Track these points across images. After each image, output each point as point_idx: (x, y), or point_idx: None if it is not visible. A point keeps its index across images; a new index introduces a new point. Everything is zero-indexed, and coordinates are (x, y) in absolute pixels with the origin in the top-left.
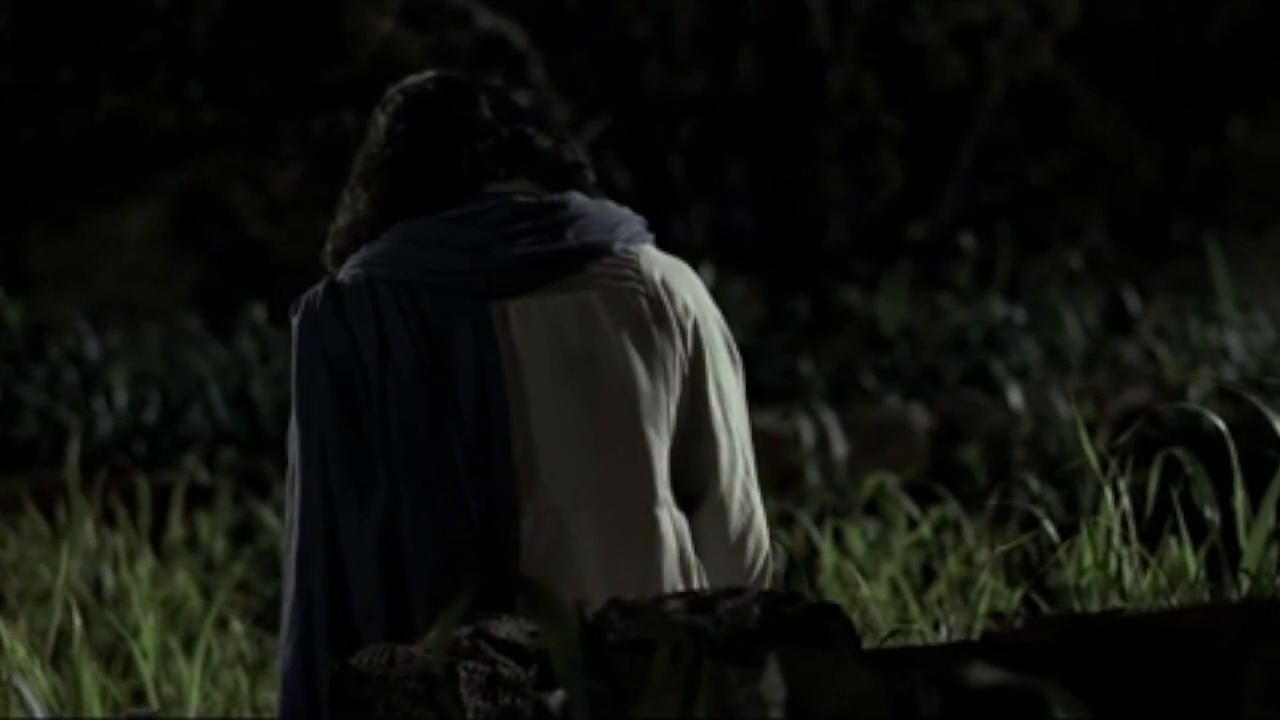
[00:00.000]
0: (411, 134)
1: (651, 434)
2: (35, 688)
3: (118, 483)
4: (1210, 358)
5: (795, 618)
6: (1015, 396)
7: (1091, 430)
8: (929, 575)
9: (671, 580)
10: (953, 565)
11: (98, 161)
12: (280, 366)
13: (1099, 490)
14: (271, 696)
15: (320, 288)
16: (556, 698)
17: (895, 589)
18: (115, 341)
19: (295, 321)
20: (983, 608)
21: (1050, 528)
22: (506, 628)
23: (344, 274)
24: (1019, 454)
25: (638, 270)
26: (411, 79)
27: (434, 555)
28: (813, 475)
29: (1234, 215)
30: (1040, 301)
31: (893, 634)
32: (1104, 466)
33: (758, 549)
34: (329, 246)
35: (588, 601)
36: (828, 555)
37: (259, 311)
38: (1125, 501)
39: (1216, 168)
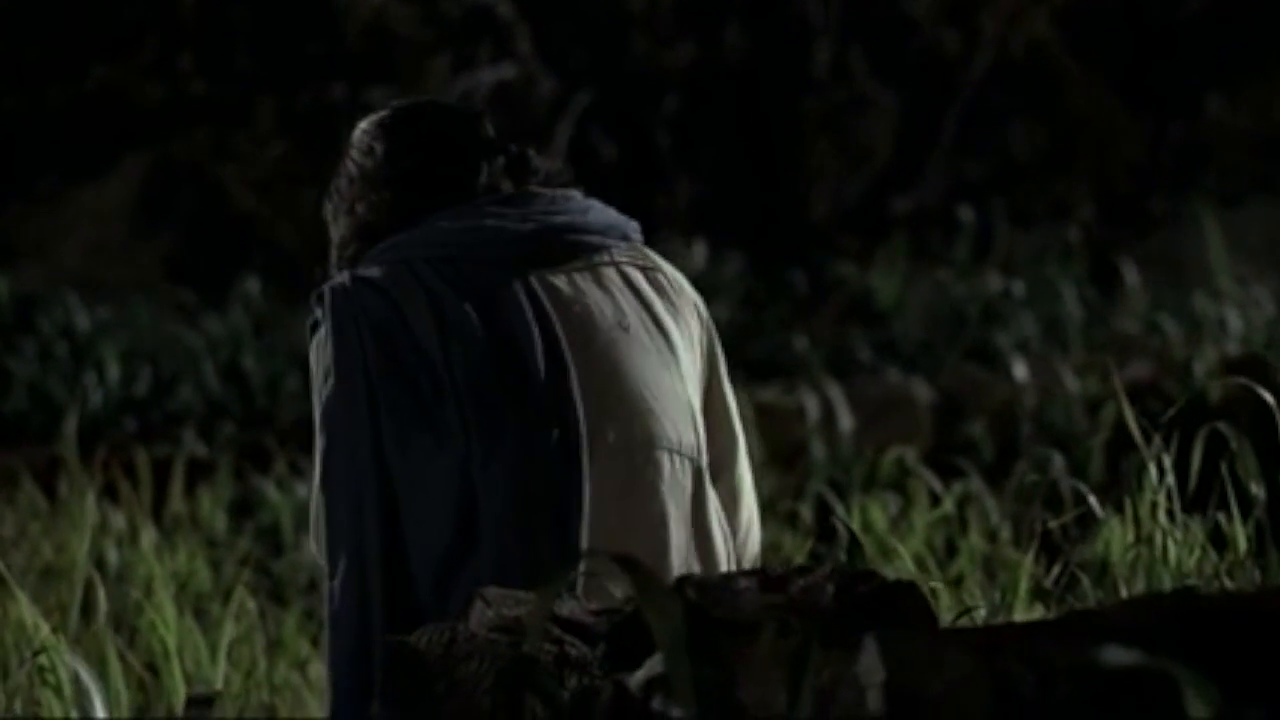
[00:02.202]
0: (428, 147)
1: (693, 396)
2: (65, 667)
3: (116, 457)
4: (1209, 332)
5: (870, 596)
6: (1019, 370)
7: (1098, 405)
8: (950, 551)
9: (716, 540)
10: (975, 541)
11: (80, 136)
12: (271, 340)
13: (1113, 465)
14: (291, 675)
15: (347, 274)
16: (636, 679)
17: (921, 565)
18: (105, 315)
19: (325, 303)
20: (1023, 585)
21: (1094, 502)
22: (569, 606)
23: (367, 263)
24: (1025, 428)
25: (648, 255)
26: (395, 103)
27: (508, 503)
28: (817, 450)
29: (1210, 189)
30: (1036, 275)
31: (964, 613)
32: (1147, 440)
33: (757, 530)
34: (337, 255)
35: (660, 542)
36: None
37: (252, 285)
38: (1170, 478)
39: (1193, 142)
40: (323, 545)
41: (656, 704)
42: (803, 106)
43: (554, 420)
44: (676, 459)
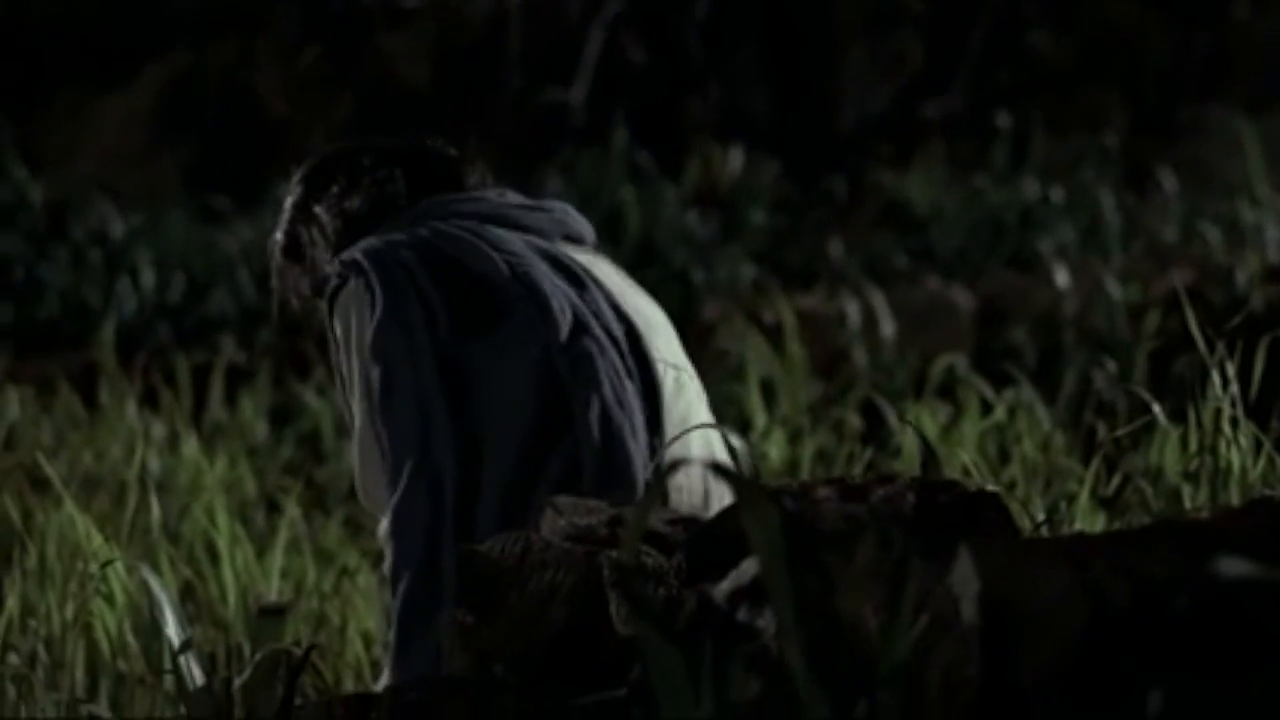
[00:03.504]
0: (409, 156)
1: None
2: (119, 577)
3: (155, 364)
4: (1249, 239)
5: (952, 506)
6: (1061, 276)
7: (1140, 312)
8: (1003, 459)
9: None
10: (1028, 448)
11: (108, 41)
12: None
13: (1158, 372)
14: (344, 583)
15: (377, 240)
16: (721, 590)
17: (977, 471)
18: (138, 222)
19: (358, 257)
20: (1084, 494)
21: (1158, 411)
22: None
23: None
24: (1068, 335)
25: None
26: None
27: (595, 379)
28: (859, 357)
29: (1236, 97)
30: (1073, 182)
31: (1041, 524)
32: (1210, 348)
33: None
34: (334, 255)
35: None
36: (908, 441)
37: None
38: (1234, 386)
39: (1219, 49)
40: (377, 485)
41: (742, 615)
42: (833, 12)
43: (618, 323)
44: (698, 386)
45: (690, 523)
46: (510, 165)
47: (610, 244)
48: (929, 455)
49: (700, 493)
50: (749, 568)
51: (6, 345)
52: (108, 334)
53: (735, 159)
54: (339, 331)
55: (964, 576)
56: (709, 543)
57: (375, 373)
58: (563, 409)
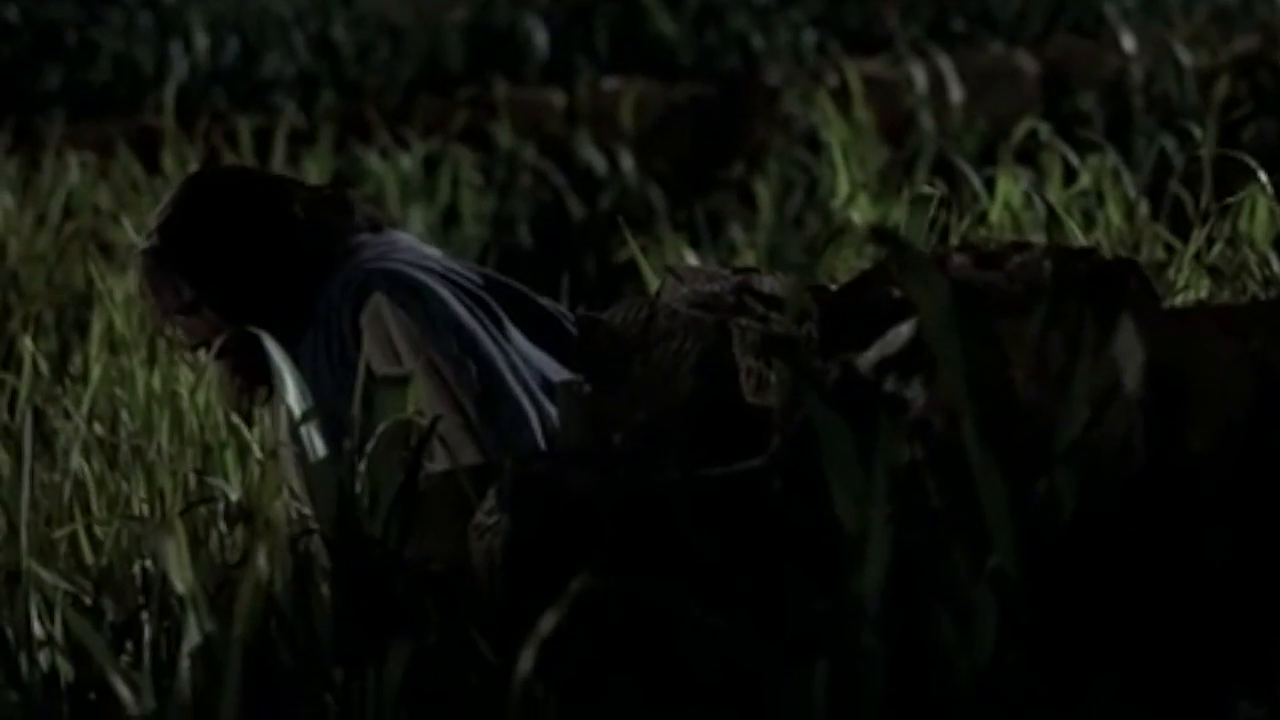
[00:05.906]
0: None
1: None
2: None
3: (216, 127)
4: None
5: (1091, 273)
6: (1127, 41)
7: (1209, 78)
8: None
9: None
10: (1114, 216)
11: None
12: (363, 8)
13: (1229, 138)
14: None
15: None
16: (866, 359)
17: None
18: None
19: (375, 272)
20: (1187, 263)
21: (1264, 179)
22: (769, 282)
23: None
24: (1137, 100)
25: None
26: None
27: None
28: (926, 122)
29: None
30: None
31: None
32: None
33: None
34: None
35: None
36: (997, 209)
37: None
38: None
39: None
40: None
41: (889, 386)
42: None
43: None
44: None
45: (820, 290)
46: None
47: (670, 10)
48: (1052, 219)
49: None
50: (896, 337)
51: (60, 109)
52: (169, 97)
53: None
54: (369, 339)
55: (1127, 346)
56: (842, 312)
57: (469, 369)
58: None
